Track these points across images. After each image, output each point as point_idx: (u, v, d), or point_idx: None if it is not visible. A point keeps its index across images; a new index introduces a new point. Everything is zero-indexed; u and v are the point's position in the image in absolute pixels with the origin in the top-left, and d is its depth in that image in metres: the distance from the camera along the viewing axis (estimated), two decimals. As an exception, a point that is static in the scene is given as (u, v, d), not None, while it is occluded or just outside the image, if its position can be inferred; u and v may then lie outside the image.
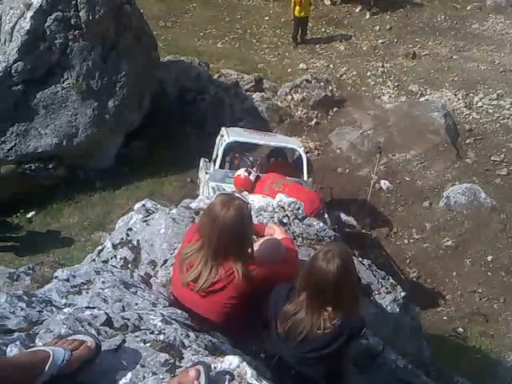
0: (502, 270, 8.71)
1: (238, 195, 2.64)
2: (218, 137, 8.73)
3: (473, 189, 9.82)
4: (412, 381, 3.34)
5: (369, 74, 13.64)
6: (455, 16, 15.55)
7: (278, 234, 3.01)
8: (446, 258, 8.97)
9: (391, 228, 9.59)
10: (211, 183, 7.88)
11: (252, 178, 7.02)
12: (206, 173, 8.49)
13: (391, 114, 11.87)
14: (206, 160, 9.08)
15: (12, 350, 1.73)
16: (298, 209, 3.96)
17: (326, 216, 7.21)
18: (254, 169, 8.64)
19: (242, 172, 7.17)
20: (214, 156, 8.56)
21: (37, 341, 1.86)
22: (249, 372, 1.79)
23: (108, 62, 9.74)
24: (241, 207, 2.55)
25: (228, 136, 8.25)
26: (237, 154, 8.62)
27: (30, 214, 9.15)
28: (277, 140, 9.21)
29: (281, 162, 8.53)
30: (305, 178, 8.19)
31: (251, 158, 8.81)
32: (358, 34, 15.29)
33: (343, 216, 8.90)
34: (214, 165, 8.21)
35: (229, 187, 7.38)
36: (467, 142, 11.37)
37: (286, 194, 6.06)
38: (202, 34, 14.86)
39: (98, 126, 9.55)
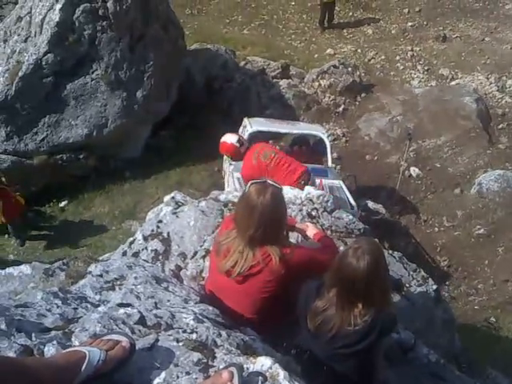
0: (536, 259, 8.53)
1: (271, 182, 2.68)
2: (241, 128, 8.71)
3: (506, 175, 9.62)
4: (444, 375, 3.30)
5: (398, 58, 13.39)
6: (487, -4, 15.10)
7: (311, 230, 3.03)
8: (477, 247, 8.82)
9: (419, 216, 9.45)
10: (236, 174, 7.79)
11: (242, 150, 6.23)
12: (230, 164, 8.41)
13: (421, 99, 11.64)
14: None
15: (49, 350, 1.76)
16: (327, 201, 3.94)
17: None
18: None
19: (231, 139, 6.26)
20: None
21: (73, 339, 1.89)
22: (281, 373, 1.79)
23: (136, 53, 9.79)
24: (276, 193, 2.64)
25: (250, 126, 8.23)
26: None
27: (62, 204, 9.34)
28: (300, 127, 9.17)
29: (304, 150, 8.46)
30: (329, 164, 8.11)
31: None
32: (386, 17, 14.99)
33: (371, 204, 8.81)
34: None
35: None
36: (500, 127, 11.10)
37: (272, 166, 5.94)
38: (227, 20, 14.78)
39: (127, 116, 9.64)
